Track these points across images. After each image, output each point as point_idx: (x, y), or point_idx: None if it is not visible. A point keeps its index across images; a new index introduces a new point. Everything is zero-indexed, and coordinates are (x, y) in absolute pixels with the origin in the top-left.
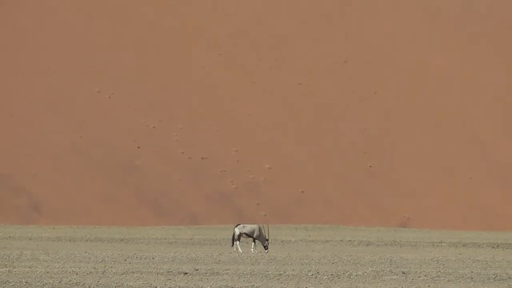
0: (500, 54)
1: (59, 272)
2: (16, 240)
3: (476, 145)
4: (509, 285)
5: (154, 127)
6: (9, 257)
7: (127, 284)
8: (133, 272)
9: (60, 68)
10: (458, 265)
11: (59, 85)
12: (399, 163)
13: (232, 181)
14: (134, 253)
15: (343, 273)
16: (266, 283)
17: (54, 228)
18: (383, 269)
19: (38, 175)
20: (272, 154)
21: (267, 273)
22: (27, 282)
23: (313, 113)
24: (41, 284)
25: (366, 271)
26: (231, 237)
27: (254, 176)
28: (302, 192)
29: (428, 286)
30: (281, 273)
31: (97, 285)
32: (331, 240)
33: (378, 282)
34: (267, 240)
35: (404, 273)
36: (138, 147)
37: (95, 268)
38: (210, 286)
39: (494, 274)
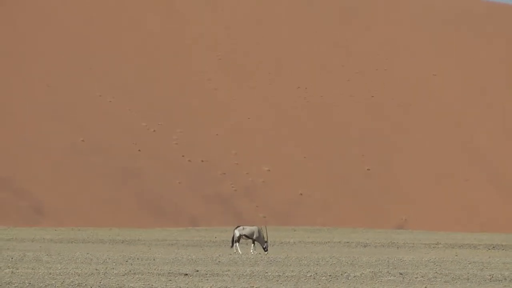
0: (494, 59)
1: (61, 273)
2: (19, 241)
3: (471, 148)
4: (505, 286)
5: (154, 131)
6: (12, 258)
7: (129, 285)
8: (134, 273)
9: (62, 72)
10: (455, 266)
11: (61, 90)
12: (396, 166)
13: (231, 183)
14: (135, 255)
15: (341, 274)
16: (265, 284)
17: (56, 230)
18: (380, 270)
19: (40, 178)
20: (271, 157)
21: (266, 274)
22: (30, 283)
23: (312, 117)
24: (44, 285)
25: (363, 272)
26: (230, 239)
27: (253, 178)
28: (301, 194)
29: (425, 287)
30: (280, 274)
31: (99, 286)
32: (329, 241)
33: (375, 283)
34: (266, 241)
35: (401, 274)
36: (139, 150)
37: (96, 269)
38: (210, 287)
39: (490, 275)
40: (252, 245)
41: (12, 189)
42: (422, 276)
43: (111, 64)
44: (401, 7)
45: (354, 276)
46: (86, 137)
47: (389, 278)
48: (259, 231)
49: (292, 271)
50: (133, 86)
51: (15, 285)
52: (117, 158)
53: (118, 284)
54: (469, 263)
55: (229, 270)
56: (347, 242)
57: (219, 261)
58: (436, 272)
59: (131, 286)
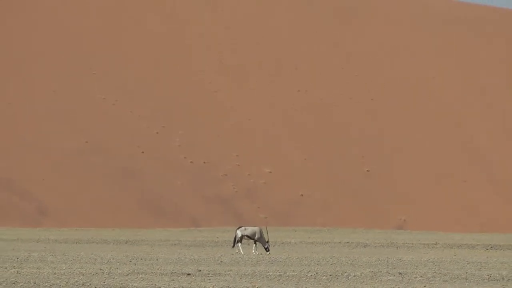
0: (494, 60)
1: (66, 273)
2: (24, 242)
3: (470, 149)
4: (503, 285)
5: (157, 133)
6: (17, 258)
7: (132, 285)
8: (138, 273)
9: (66, 76)
10: (453, 266)
11: (65, 93)
12: (395, 167)
13: (233, 185)
14: (139, 255)
15: (342, 274)
16: (267, 284)
17: (60, 231)
18: (380, 270)
19: (44, 179)
20: (272, 158)
21: (268, 274)
22: (35, 283)
23: (312, 118)
24: (49, 285)
25: (363, 272)
26: (232, 239)
27: (255, 180)
28: (302, 195)
29: (424, 286)
30: (282, 274)
31: (103, 286)
32: (329, 242)
33: (375, 283)
34: (267, 242)
35: (401, 274)
36: (142, 152)
37: (101, 269)
38: (213, 287)
39: (488, 275)
40: (254, 245)
41: (16, 191)
42: (421, 276)
43: (114, 68)
44: (401, 8)
45: (354, 276)
46: (89, 139)
47: (389, 277)
48: (260, 232)
49: (293, 270)
50: (136, 89)
51: (21, 284)
52: (120, 160)
53: (122, 283)
54: (467, 263)
55: (231, 270)
56: (347, 242)
57: (221, 261)
58: (435, 272)
59: (134, 286)
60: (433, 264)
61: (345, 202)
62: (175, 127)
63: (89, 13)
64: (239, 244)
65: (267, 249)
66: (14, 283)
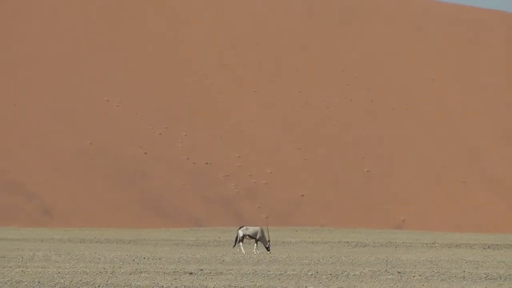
0: (492, 62)
1: (70, 272)
2: (29, 242)
3: (467, 151)
4: (500, 284)
5: (160, 134)
6: (22, 258)
7: (135, 284)
8: (141, 272)
9: (70, 78)
10: (451, 265)
11: (70, 95)
12: (394, 168)
13: (234, 185)
14: (142, 254)
15: (341, 273)
16: (267, 282)
17: (64, 231)
18: (379, 269)
19: (49, 180)
20: (273, 159)
21: (268, 273)
22: (39, 282)
23: (312, 120)
24: (53, 284)
25: (363, 271)
26: (234, 239)
27: (256, 180)
28: (302, 195)
29: (422, 285)
30: (282, 273)
31: (107, 285)
32: (329, 241)
33: (374, 282)
34: (268, 241)
35: (400, 273)
36: (145, 153)
37: (104, 268)
38: (214, 286)
39: (485, 274)
40: (255, 244)
41: (21, 192)
42: (420, 275)
43: (118, 71)
44: (401, 10)
45: (354, 275)
46: (93, 140)
47: (388, 276)
48: (262, 231)
49: (294, 270)
50: (139, 91)
51: (26, 283)
52: (123, 161)
53: (125, 282)
54: (465, 262)
55: (232, 269)
56: (347, 242)
57: (223, 260)
58: (433, 271)
59: (137, 285)
60: (431, 263)
61: (345, 202)
62: (178, 129)
63: (95, 16)
64: (241, 243)
65: (268, 249)
66: (19, 282)
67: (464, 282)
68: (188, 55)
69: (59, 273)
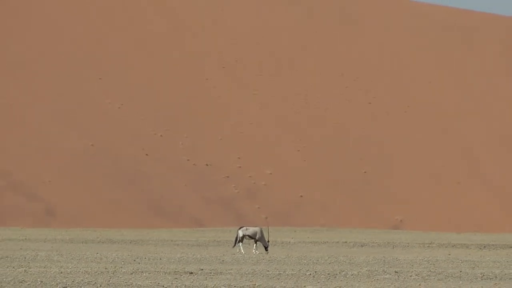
0: (489, 66)
1: (72, 272)
2: (31, 242)
3: (463, 152)
4: (495, 283)
5: (161, 136)
6: (25, 258)
7: (136, 283)
8: (142, 272)
9: (73, 80)
10: (448, 265)
11: (72, 97)
12: (392, 169)
13: (234, 186)
14: (143, 254)
15: (339, 273)
16: (266, 282)
17: (67, 231)
18: (376, 268)
19: (52, 181)
20: (272, 160)
21: (267, 272)
22: (42, 282)
23: (311, 122)
24: (55, 283)
25: (361, 270)
26: (234, 239)
27: (256, 181)
28: (301, 196)
29: (419, 285)
30: (281, 272)
31: (108, 284)
32: (328, 241)
33: (372, 281)
34: (268, 242)
35: (397, 273)
36: (146, 155)
37: (106, 268)
38: (214, 285)
39: (481, 274)
40: (255, 245)
41: (24, 192)
42: (417, 275)
43: (120, 74)
44: (400, 14)
45: (352, 275)
46: (95, 142)
47: (385, 276)
48: (261, 232)
49: (292, 269)
50: (140, 93)
51: (28, 283)
52: (125, 162)
53: (126, 282)
54: (461, 262)
55: (232, 268)
56: (345, 242)
57: (222, 260)
58: (430, 271)
59: (138, 284)
60: (428, 263)
61: (344, 203)
62: (179, 131)
63: (98, 18)
64: (240, 243)
65: (266, 249)
66: (21, 282)
67: (461, 281)
68: (188, 55)
69: (61, 273)
